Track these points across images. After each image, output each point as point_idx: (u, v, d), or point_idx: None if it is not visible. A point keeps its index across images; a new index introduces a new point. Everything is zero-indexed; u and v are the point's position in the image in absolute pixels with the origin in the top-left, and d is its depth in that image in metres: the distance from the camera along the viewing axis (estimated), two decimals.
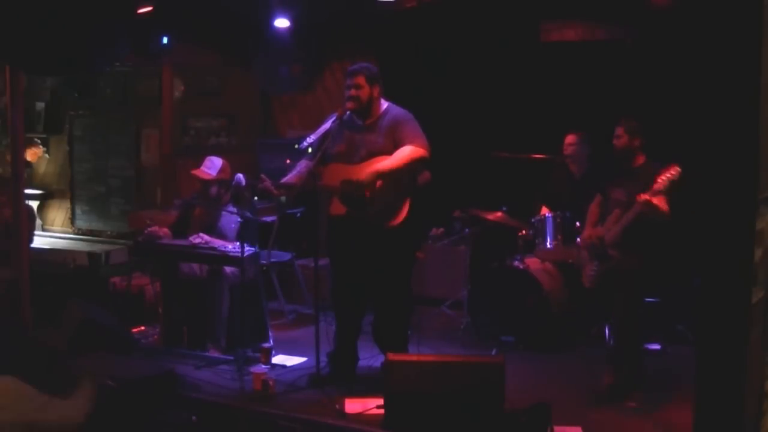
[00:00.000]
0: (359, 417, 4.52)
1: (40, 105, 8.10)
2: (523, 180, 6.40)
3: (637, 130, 4.95)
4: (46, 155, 8.21)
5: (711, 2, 3.04)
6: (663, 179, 4.62)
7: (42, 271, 6.59)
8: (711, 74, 3.06)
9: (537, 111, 6.68)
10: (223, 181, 5.73)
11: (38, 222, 8.11)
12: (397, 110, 5.00)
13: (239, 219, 5.52)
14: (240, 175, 5.27)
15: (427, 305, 6.66)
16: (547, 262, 5.95)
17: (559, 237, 5.81)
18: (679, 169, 4.61)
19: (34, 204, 8.01)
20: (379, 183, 4.81)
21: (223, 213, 5.76)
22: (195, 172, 5.80)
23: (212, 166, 5.77)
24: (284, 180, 5.06)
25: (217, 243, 5.57)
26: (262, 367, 5.11)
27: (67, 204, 8.13)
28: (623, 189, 4.96)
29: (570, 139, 6.04)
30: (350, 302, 5.16)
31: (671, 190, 4.67)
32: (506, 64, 6.86)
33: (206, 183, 5.75)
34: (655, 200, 4.65)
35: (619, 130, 4.98)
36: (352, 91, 4.93)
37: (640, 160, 4.99)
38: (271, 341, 5.67)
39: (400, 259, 5.04)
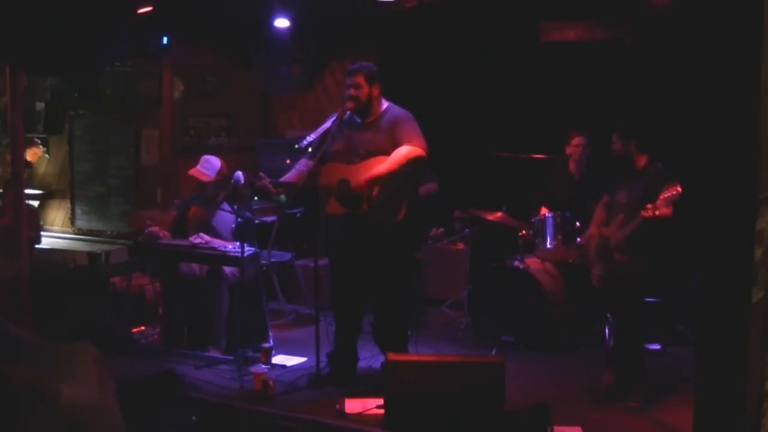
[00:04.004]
0: (359, 417, 4.52)
1: (40, 105, 8.09)
2: (523, 180, 6.39)
3: (631, 133, 4.96)
4: (46, 155, 8.21)
5: (711, 2, 3.04)
6: (664, 198, 4.61)
7: (42, 271, 6.59)
8: (711, 74, 3.06)
9: (537, 111, 6.68)
10: (219, 183, 5.72)
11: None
12: (397, 110, 4.99)
13: (237, 218, 5.52)
14: (239, 173, 5.27)
15: (427, 305, 6.66)
16: (547, 262, 5.95)
17: (559, 237, 5.81)
18: (680, 189, 4.59)
19: (34, 204, 8.00)
20: (376, 189, 4.80)
21: (218, 212, 5.75)
22: (192, 172, 5.79)
23: (210, 167, 5.75)
24: (283, 179, 5.05)
25: (217, 243, 5.57)
26: (262, 367, 5.11)
27: (67, 204, 8.12)
28: (626, 192, 4.98)
29: (578, 140, 6.03)
30: (350, 302, 5.16)
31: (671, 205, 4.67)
32: (506, 64, 6.87)
33: (203, 184, 5.75)
34: (658, 212, 4.64)
35: (613, 137, 5.02)
36: (351, 91, 4.92)
37: (642, 161, 4.99)
38: (271, 341, 5.67)
39: (400, 259, 5.03)
